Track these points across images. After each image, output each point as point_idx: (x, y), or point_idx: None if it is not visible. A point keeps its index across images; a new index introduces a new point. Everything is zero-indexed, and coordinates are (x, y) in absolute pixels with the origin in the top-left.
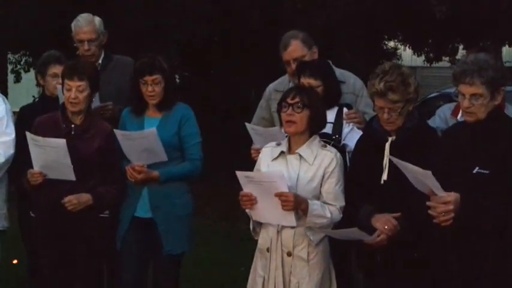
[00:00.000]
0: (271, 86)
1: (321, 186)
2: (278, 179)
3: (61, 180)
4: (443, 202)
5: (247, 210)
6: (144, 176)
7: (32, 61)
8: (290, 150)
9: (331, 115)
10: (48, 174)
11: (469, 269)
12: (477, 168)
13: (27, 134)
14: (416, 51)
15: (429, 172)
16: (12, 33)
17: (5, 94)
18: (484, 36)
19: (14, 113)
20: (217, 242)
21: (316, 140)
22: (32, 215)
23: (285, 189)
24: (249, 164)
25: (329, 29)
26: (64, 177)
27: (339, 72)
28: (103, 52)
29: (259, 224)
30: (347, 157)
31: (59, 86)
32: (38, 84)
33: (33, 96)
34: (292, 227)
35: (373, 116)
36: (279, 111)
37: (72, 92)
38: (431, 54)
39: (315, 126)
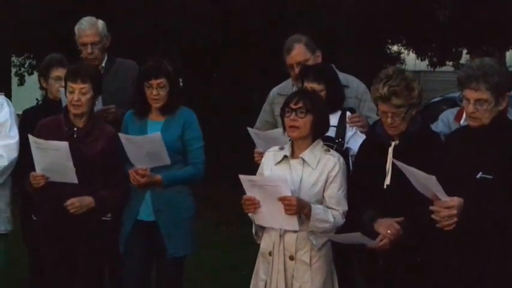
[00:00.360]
0: (275, 89)
1: (324, 191)
2: (281, 183)
3: (63, 183)
4: (447, 207)
5: (250, 214)
6: (147, 180)
7: (36, 64)
8: (293, 154)
9: (334, 119)
10: (51, 177)
11: (471, 273)
12: (480, 173)
13: (30, 136)
14: (420, 55)
15: (433, 177)
16: (16, 35)
17: (9, 97)
18: (488, 40)
19: (17, 115)
20: (219, 245)
21: (319, 145)
22: (34, 218)
23: (288, 194)
24: (252, 167)
25: (331, 32)
26: (66, 180)
27: (342, 77)
28: (106, 55)
29: (262, 228)
30: (350, 161)
31: (62, 89)
32: (41, 87)
33: (37, 99)
34: (295, 231)
35: (376, 120)
36: (282, 115)
37: (75, 95)
38: (434, 59)
39: (318, 131)
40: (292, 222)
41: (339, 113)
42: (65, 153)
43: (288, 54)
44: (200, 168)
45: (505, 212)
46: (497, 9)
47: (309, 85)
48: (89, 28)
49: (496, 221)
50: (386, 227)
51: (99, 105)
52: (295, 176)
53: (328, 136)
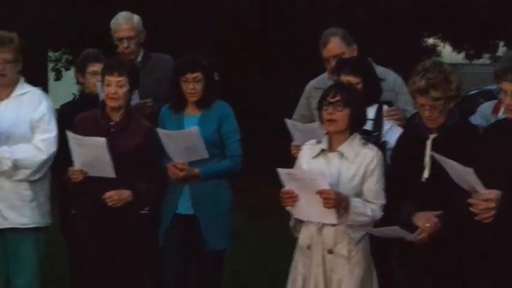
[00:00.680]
0: (311, 83)
1: (362, 184)
2: (319, 176)
3: (101, 177)
4: (485, 199)
5: (288, 208)
6: (186, 174)
7: (72, 59)
8: (331, 147)
9: (371, 112)
10: (89, 171)
11: (510, 265)
12: None
13: (68, 133)
14: (456, 48)
15: (471, 169)
16: (53, 31)
17: (46, 92)
18: None
19: (55, 110)
20: (256, 238)
21: (357, 138)
22: (73, 211)
23: (327, 187)
24: (288, 160)
25: (368, 25)
26: (104, 175)
27: (379, 70)
28: (142, 50)
29: (300, 222)
30: (387, 154)
31: (99, 84)
32: (77, 82)
33: (73, 94)
34: (333, 225)
35: (414, 114)
36: (319, 109)
37: (112, 87)
38: (471, 51)
39: (355, 124)
40: (331, 216)
41: (375, 106)
42: (103, 148)
43: (324, 48)
44: (237, 161)
45: None
46: None
47: (345, 78)
48: (125, 23)
49: None
50: (425, 220)
51: (135, 100)
52: (333, 169)
53: (366, 129)
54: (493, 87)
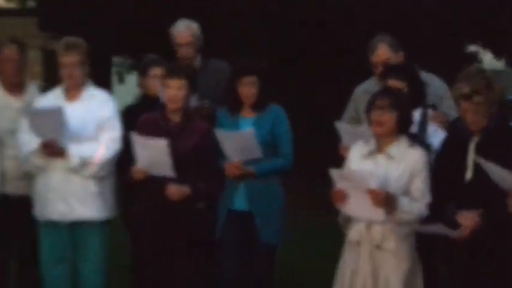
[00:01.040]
0: (359, 87)
1: (408, 184)
2: (368, 176)
3: (162, 176)
4: None
5: (338, 205)
6: (242, 172)
7: (134, 64)
8: (378, 149)
9: (416, 115)
10: (150, 170)
11: None
12: None
13: (132, 134)
14: (497, 55)
15: (510, 172)
16: (116, 38)
17: (110, 94)
18: None
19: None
20: (305, 234)
21: (403, 140)
22: (135, 206)
23: (375, 187)
24: (337, 160)
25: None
26: (164, 173)
27: (424, 75)
28: (200, 55)
29: (349, 219)
30: (430, 156)
31: (160, 87)
32: (139, 85)
33: (135, 96)
34: (382, 222)
35: (457, 117)
36: (367, 112)
37: (172, 90)
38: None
39: (402, 127)
40: (379, 213)
41: (420, 110)
42: (164, 150)
43: (372, 53)
44: (289, 160)
45: None
46: None
47: (392, 83)
48: (184, 30)
49: None
50: (468, 219)
51: (194, 102)
52: (380, 169)
53: (411, 132)
54: None
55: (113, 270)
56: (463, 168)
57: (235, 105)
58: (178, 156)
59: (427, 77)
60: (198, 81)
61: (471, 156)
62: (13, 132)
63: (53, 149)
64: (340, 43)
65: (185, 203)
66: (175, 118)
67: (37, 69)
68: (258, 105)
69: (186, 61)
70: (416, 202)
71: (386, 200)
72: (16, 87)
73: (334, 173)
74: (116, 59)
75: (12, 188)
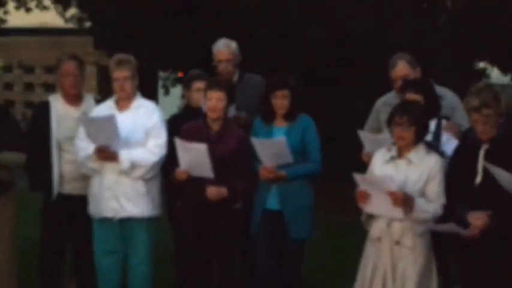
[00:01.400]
0: (381, 100)
1: (425, 186)
2: (389, 180)
3: (202, 177)
4: None
5: (361, 205)
6: (274, 175)
7: (178, 78)
8: (399, 155)
9: (431, 125)
10: (192, 172)
11: None
12: None
13: (176, 139)
14: (503, 71)
15: None
16: (162, 55)
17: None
18: None
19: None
20: (331, 231)
21: (421, 147)
22: (178, 204)
23: (395, 189)
24: (360, 165)
25: (430, 51)
26: (205, 175)
27: (438, 89)
28: (238, 70)
29: (371, 217)
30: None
31: (202, 98)
32: (183, 97)
33: (179, 107)
34: (400, 220)
35: (468, 128)
36: (389, 125)
37: (213, 102)
38: None
39: (420, 137)
40: (398, 212)
41: (435, 121)
42: (204, 153)
43: (392, 70)
44: (318, 165)
45: None
46: None
47: (410, 96)
48: (224, 48)
49: None
50: (477, 218)
51: (232, 112)
52: (401, 173)
53: (426, 140)
54: None
55: (159, 261)
56: (473, 173)
57: (269, 115)
58: (217, 160)
59: (441, 90)
60: (235, 94)
61: (481, 163)
62: (71, 139)
63: (106, 154)
64: (361, 62)
65: (223, 203)
66: (215, 126)
67: (92, 83)
68: (290, 116)
69: (225, 76)
70: (431, 203)
71: (404, 201)
72: (74, 99)
73: (357, 177)
74: (161, 74)
75: (70, 188)
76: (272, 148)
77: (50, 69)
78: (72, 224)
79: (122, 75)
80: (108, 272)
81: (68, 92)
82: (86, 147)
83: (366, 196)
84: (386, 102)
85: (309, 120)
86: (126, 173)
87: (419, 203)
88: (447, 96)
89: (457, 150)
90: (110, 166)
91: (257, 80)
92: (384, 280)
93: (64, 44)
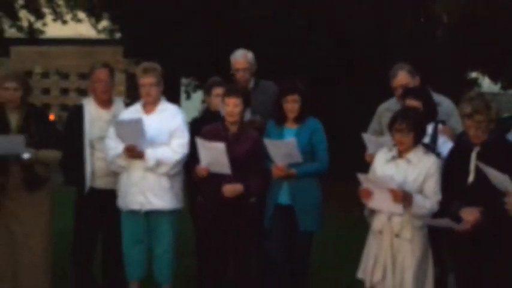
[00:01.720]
0: (383, 105)
1: (423, 184)
2: (390, 179)
3: (221, 174)
4: None
5: (364, 201)
6: (285, 173)
7: (198, 84)
8: (399, 155)
9: (429, 129)
10: (211, 169)
11: None
12: None
13: (197, 139)
14: (494, 80)
15: (506, 175)
16: (185, 63)
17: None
18: None
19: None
20: (336, 225)
21: (420, 148)
22: (199, 199)
23: (395, 187)
24: (362, 165)
25: (428, 61)
26: (223, 172)
27: (435, 96)
28: (253, 78)
29: (373, 212)
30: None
31: (220, 103)
32: (203, 102)
33: (199, 111)
34: (400, 215)
35: (462, 132)
36: (390, 130)
37: (230, 107)
38: (505, 83)
39: (418, 140)
40: (398, 208)
41: (432, 125)
42: (222, 152)
43: (394, 79)
44: (325, 164)
45: None
46: None
47: (410, 102)
48: (241, 57)
49: None
50: (469, 214)
51: (247, 116)
52: (401, 172)
53: (424, 143)
54: None
55: (181, 251)
56: (466, 173)
57: (280, 118)
58: (233, 159)
59: (438, 97)
60: (251, 99)
61: (473, 163)
62: (102, 138)
63: (133, 153)
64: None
65: (239, 200)
66: (233, 129)
67: (121, 88)
68: (300, 119)
69: (242, 83)
70: (428, 199)
71: (404, 197)
72: (105, 103)
73: (361, 177)
74: (184, 80)
75: (101, 183)
76: (283, 149)
77: (83, 76)
78: (103, 216)
79: (147, 81)
80: (135, 260)
81: (99, 97)
82: (115, 146)
83: (369, 193)
84: (388, 107)
85: (317, 123)
86: (151, 170)
87: (418, 199)
88: (443, 103)
89: (452, 152)
90: (137, 163)
91: (270, 86)
92: (384, 269)
93: (96, 53)
